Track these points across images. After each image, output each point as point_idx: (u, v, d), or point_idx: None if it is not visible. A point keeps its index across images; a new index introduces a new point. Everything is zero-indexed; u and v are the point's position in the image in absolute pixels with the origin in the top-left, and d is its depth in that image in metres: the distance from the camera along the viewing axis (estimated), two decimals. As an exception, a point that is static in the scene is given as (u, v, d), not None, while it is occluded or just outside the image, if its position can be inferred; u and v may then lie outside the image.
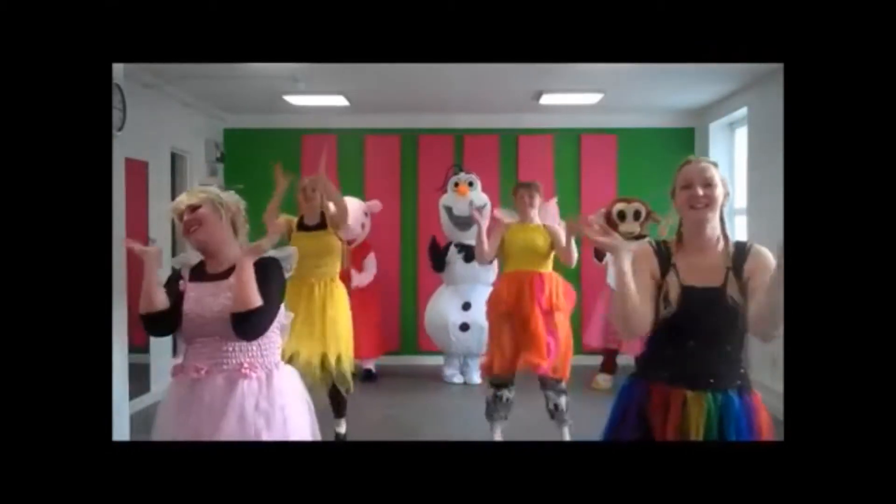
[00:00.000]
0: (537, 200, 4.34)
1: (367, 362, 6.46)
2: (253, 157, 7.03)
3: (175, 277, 2.35)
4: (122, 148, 4.33)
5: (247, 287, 2.12)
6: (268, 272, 2.20)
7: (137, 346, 5.25)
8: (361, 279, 6.23)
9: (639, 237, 6.13)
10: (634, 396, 2.10)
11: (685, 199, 2.04)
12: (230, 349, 2.19)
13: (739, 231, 6.24)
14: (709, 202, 2.02)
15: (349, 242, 6.10)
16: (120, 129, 4.38)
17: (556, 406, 4.16)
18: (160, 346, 5.73)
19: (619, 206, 6.15)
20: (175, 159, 6.11)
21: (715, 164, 2.09)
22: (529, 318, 4.10)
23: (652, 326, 2.06)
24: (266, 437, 2.16)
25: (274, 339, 2.29)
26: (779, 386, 4.91)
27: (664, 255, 2.10)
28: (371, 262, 6.40)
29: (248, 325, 2.15)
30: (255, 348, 2.22)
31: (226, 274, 2.22)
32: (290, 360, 4.13)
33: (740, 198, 6.25)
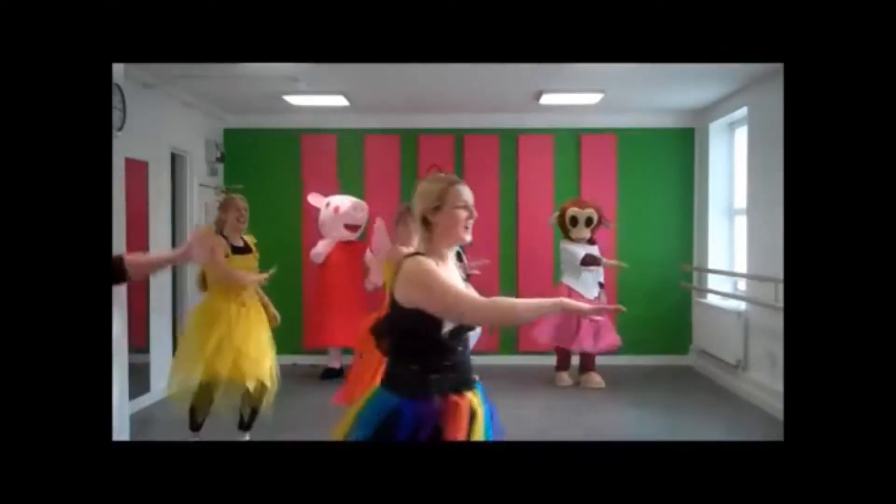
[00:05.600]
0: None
1: (334, 360, 6.44)
2: (253, 157, 7.04)
3: None
4: (122, 148, 4.32)
5: None
6: None
7: (137, 347, 5.24)
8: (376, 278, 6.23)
9: (590, 242, 6.15)
10: (422, 415, 1.99)
11: None
12: None
13: (739, 231, 6.23)
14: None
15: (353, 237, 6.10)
16: (120, 129, 4.37)
17: None
18: (160, 347, 5.73)
19: (573, 210, 6.13)
20: (175, 159, 6.10)
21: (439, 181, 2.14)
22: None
23: (427, 344, 2.04)
24: None
25: None
26: (779, 386, 4.91)
27: None
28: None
29: None
30: None
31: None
32: (219, 382, 3.96)
33: (740, 198, 6.24)
